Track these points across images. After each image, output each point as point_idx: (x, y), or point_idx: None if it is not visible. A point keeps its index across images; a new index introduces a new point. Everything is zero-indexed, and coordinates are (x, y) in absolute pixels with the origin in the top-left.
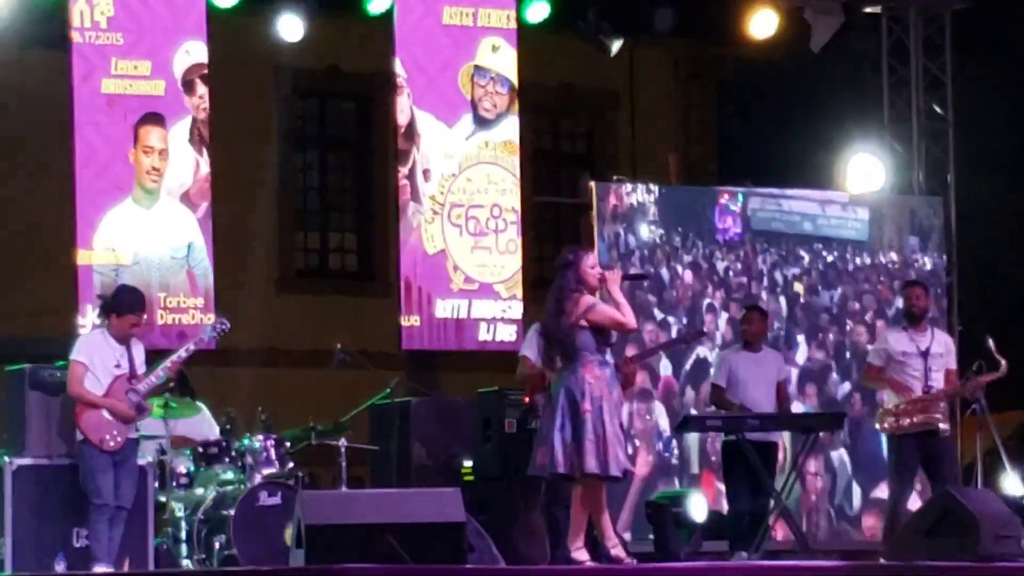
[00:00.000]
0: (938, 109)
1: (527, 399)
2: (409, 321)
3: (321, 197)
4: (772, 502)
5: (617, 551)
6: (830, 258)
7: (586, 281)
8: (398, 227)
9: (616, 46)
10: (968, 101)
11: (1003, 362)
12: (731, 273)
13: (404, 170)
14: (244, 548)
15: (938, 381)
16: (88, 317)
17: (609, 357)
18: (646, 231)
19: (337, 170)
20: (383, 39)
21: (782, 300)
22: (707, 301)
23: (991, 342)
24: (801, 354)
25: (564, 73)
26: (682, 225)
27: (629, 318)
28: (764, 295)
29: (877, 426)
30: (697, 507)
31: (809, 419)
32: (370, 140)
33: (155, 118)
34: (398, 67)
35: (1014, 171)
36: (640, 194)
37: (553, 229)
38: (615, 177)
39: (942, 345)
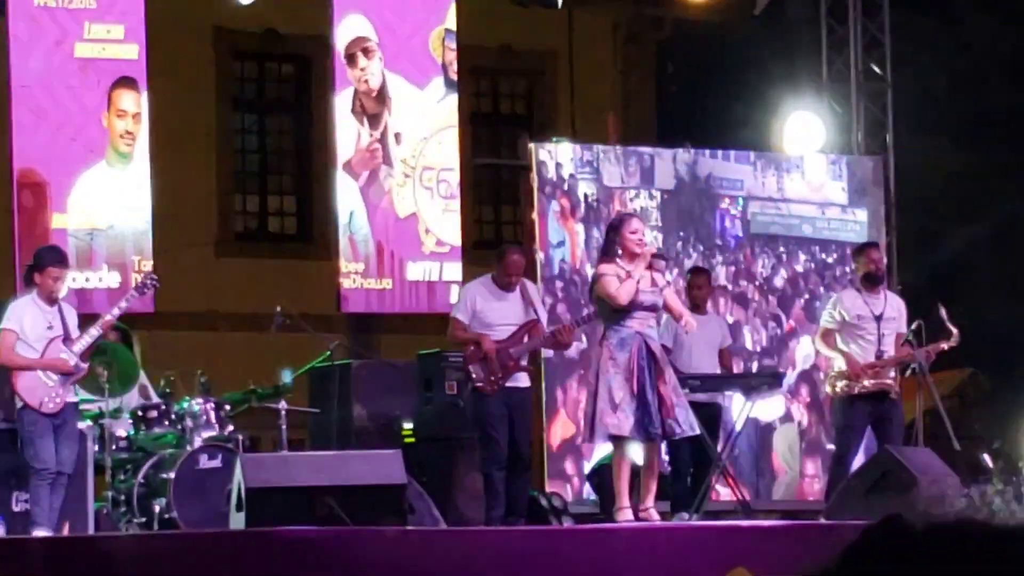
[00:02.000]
0: (876, 69)
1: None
2: (381, 284)
3: (260, 160)
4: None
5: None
6: (830, 260)
7: (626, 247)
8: (336, 190)
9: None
10: (907, 61)
11: (955, 331)
12: (731, 277)
13: (376, 133)
14: (184, 511)
15: (889, 345)
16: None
17: (627, 324)
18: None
19: (276, 133)
20: (321, 2)
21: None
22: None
23: (943, 310)
24: (800, 354)
25: (503, 35)
26: (683, 230)
27: (619, 294)
28: (762, 298)
29: (828, 390)
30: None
31: (749, 379)
32: (309, 103)
33: (128, 82)
34: (369, 30)
35: (953, 131)
36: (643, 199)
37: (493, 191)
38: (554, 139)
39: (895, 309)
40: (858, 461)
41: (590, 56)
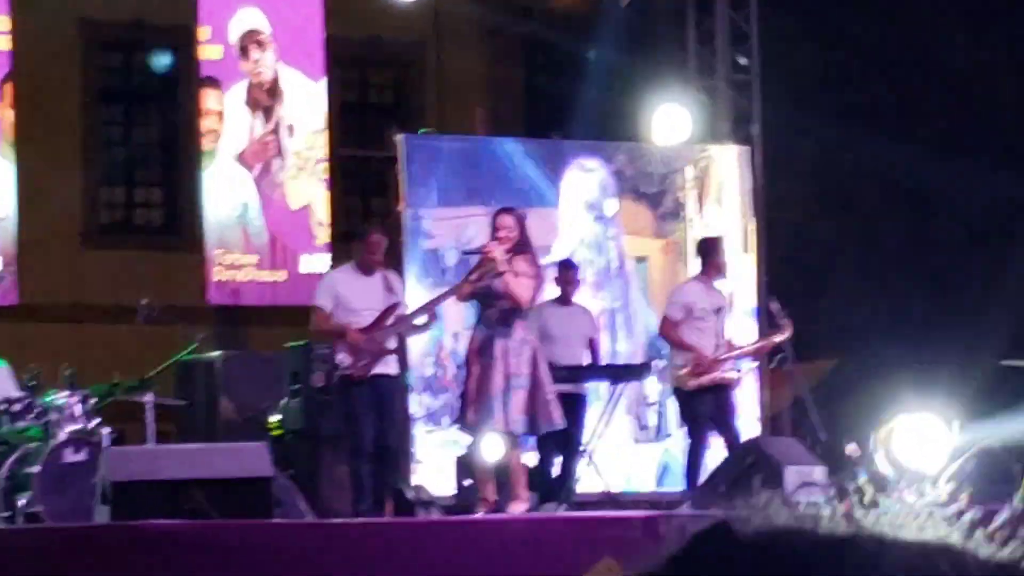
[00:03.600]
0: (743, 61)
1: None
2: (275, 276)
3: (126, 152)
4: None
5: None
6: None
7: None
8: (202, 182)
9: None
10: (773, 53)
11: (787, 323)
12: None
13: (270, 125)
14: (49, 505)
15: (723, 337)
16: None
17: (489, 316)
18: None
19: (142, 124)
20: None
21: None
22: None
23: (775, 304)
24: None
25: (371, 25)
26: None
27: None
28: None
29: (674, 384)
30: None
31: (616, 370)
32: (176, 94)
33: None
34: (263, 22)
35: (818, 124)
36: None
37: (359, 181)
38: (421, 130)
39: (727, 301)
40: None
41: (458, 46)
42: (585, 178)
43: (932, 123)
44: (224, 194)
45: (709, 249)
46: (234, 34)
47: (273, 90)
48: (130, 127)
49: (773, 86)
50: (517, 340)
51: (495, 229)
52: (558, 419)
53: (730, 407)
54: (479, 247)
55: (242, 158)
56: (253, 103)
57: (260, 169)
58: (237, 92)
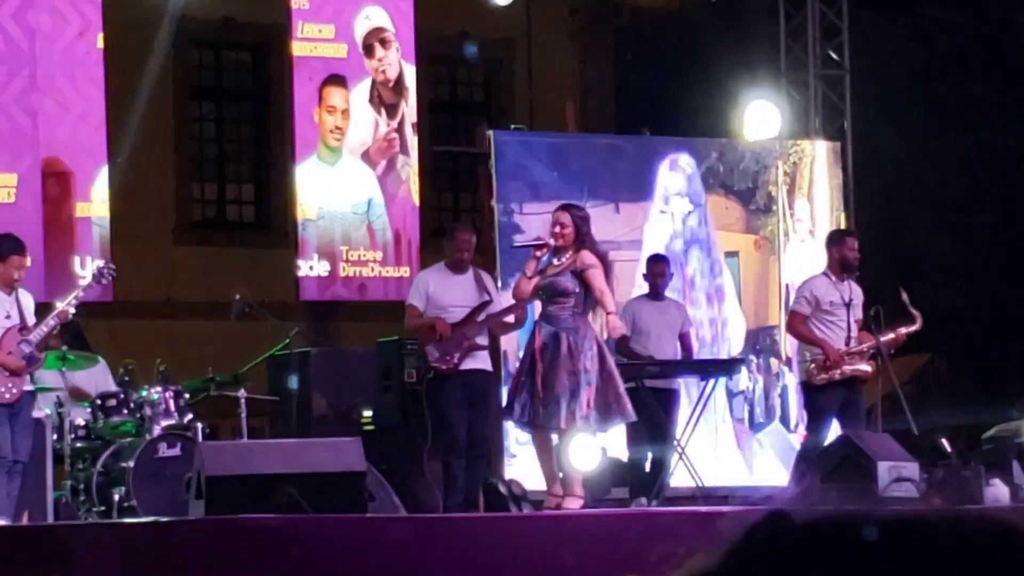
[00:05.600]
0: (834, 56)
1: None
2: (399, 272)
3: (218, 148)
4: (672, 449)
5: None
6: None
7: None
8: (295, 177)
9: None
10: (864, 48)
11: (917, 315)
12: None
13: (393, 123)
14: (143, 500)
15: (855, 332)
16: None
17: (540, 312)
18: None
19: (234, 121)
20: None
21: None
22: None
23: (905, 295)
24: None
25: (461, 22)
26: None
27: (513, 292)
28: None
29: (802, 377)
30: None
31: (707, 365)
32: (267, 91)
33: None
34: (386, 21)
35: (909, 119)
36: None
37: (451, 178)
38: (512, 126)
39: (858, 296)
40: None
41: (548, 44)
42: (676, 175)
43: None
44: (348, 191)
45: (834, 242)
46: (359, 33)
47: (398, 87)
48: (222, 123)
49: (864, 81)
50: (582, 337)
51: (551, 224)
52: (631, 412)
53: (860, 402)
54: (531, 241)
55: (366, 155)
56: (377, 100)
57: (384, 166)
58: (361, 90)
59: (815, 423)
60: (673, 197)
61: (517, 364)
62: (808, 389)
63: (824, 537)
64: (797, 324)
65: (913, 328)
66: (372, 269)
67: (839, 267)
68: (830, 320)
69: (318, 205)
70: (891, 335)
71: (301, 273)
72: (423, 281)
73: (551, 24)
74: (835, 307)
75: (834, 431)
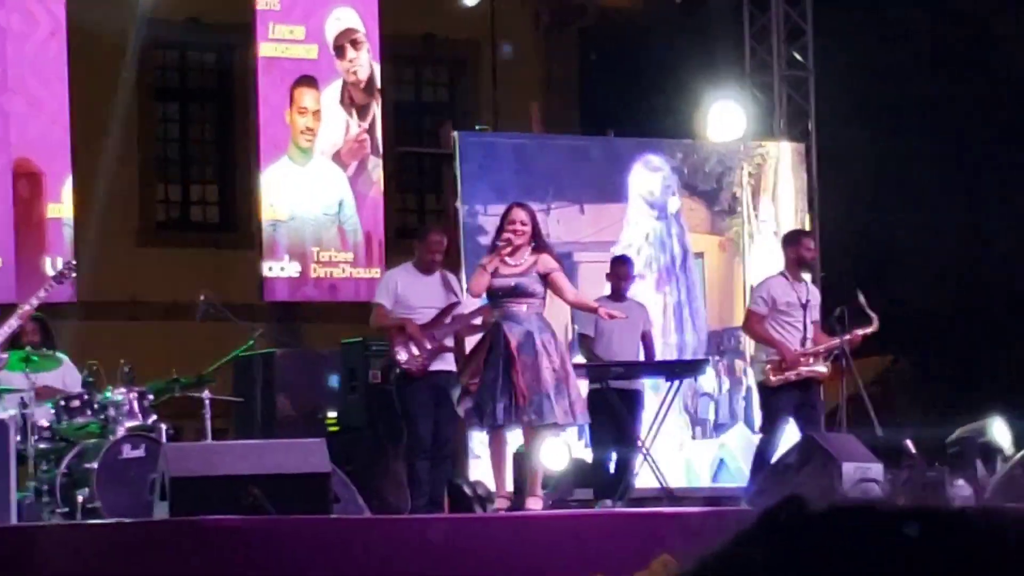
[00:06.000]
0: (799, 57)
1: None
2: (369, 273)
3: (182, 149)
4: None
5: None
6: None
7: (504, 235)
8: (260, 178)
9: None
10: (829, 49)
11: (874, 316)
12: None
13: (364, 124)
14: (108, 501)
15: (811, 333)
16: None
17: (496, 312)
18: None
19: (198, 122)
20: None
21: None
22: None
23: (862, 296)
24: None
25: (425, 23)
26: None
27: (470, 286)
28: None
29: (761, 379)
30: (556, 456)
31: (673, 366)
32: (231, 92)
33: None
34: (357, 22)
35: (874, 120)
36: None
37: (415, 179)
38: (477, 127)
39: (815, 296)
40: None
41: (512, 44)
42: (650, 176)
43: (988, 117)
44: (319, 192)
45: (791, 242)
46: (330, 33)
47: (369, 88)
48: (186, 125)
49: (829, 82)
50: (551, 336)
51: (510, 223)
52: (587, 414)
53: (815, 403)
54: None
55: (337, 156)
56: (348, 102)
57: (355, 167)
58: (332, 91)
59: (770, 424)
60: (645, 199)
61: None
62: (764, 390)
63: (839, 525)
64: (753, 324)
65: (870, 329)
66: (343, 270)
67: (796, 267)
68: (786, 321)
69: (289, 206)
70: (847, 336)
71: (271, 274)
72: (392, 280)
73: (516, 25)
74: (792, 308)
75: (791, 432)
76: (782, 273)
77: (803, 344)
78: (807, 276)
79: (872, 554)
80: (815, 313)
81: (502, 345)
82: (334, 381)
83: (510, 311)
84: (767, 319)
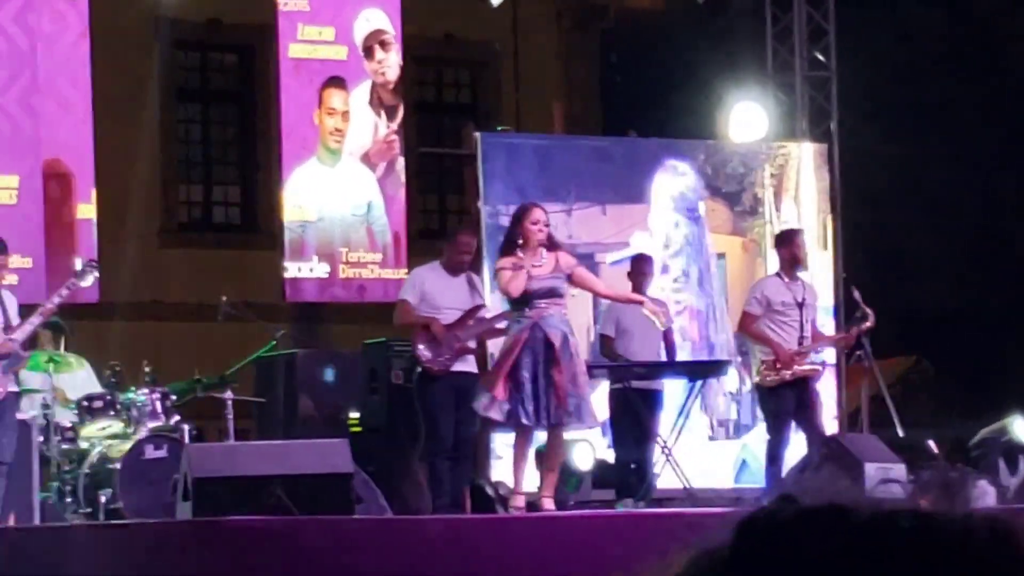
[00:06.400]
0: (821, 57)
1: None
2: (397, 274)
3: (204, 150)
4: (658, 450)
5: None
6: None
7: (527, 237)
8: (281, 179)
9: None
10: (851, 49)
11: (870, 312)
12: None
13: (393, 125)
14: (130, 501)
15: (808, 332)
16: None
17: (528, 312)
18: None
19: (220, 123)
20: None
21: None
22: None
23: (857, 293)
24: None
25: (447, 24)
26: None
27: (510, 287)
28: None
29: (757, 379)
30: (582, 456)
31: (694, 366)
32: (252, 92)
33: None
34: (385, 23)
35: (896, 121)
36: None
37: (437, 180)
38: (499, 128)
39: (812, 295)
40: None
41: (534, 45)
42: (676, 180)
43: (1008, 119)
44: (348, 193)
45: (783, 241)
46: (359, 35)
47: (397, 89)
48: (208, 125)
49: (851, 82)
50: (575, 338)
51: (532, 222)
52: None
53: (812, 402)
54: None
55: (366, 158)
56: (377, 102)
57: (384, 168)
58: (361, 92)
59: (774, 425)
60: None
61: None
62: (761, 391)
63: (834, 522)
64: (748, 325)
65: (866, 326)
66: (371, 271)
67: (790, 266)
68: (782, 320)
69: (317, 207)
70: (842, 334)
71: (299, 275)
72: (419, 278)
73: (537, 25)
74: (787, 307)
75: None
76: (777, 273)
77: (800, 343)
78: (804, 275)
79: (831, 561)
80: (812, 312)
81: (542, 345)
82: (356, 382)
83: (547, 312)
84: (763, 320)
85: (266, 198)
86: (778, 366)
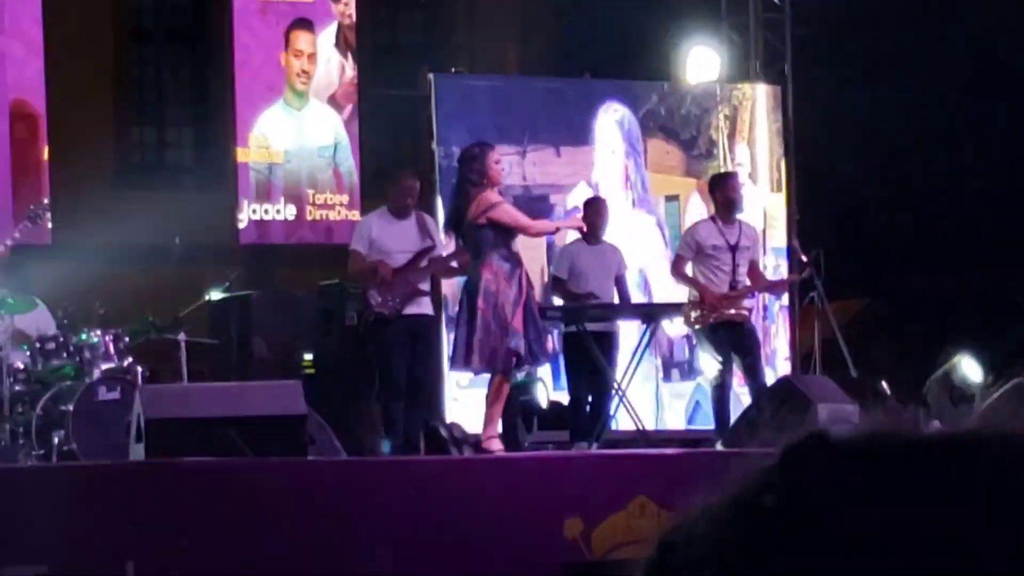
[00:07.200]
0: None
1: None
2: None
3: (158, 91)
4: (612, 392)
5: (489, 443)
6: None
7: (491, 176)
8: (235, 121)
9: None
10: None
11: (807, 260)
12: None
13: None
14: (83, 443)
15: (743, 275)
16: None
17: (513, 249)
18: None
19: (173, 64)
20: None
21: None
22: None
23: (796, 242)
24: None
25: None
26: None
27: (522, 217)
28: None
29: (683, 323)
30: (542, 396)
31: (649, 308)
32: (207, 33)
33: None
34: None
35: (849, 64)
36: None
37: (389, 122)
38: (453, 69)
39: (749, 238)
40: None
41: None
42: (611, 121)
43: (963, 63)
44: (315, 135)
45: (716, 185)
46: None
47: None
48: (161, 67)
49: (805, 24)
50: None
51: (496, 162)
52: None
53: (750, 345)
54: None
55: (333, 99)
56: (343, 44)
57: (350, 110)
58: (328, 34)
59: (713, 367)
60: (611, 143)
61: (484, 308)
62: (698, 334)
63: (872, 455)
64: (679, 268)
65: (803, 275)
66: (339, 212)
67: (724, 209)
68: (714, 264)
69: (284, 149)
70: (774, 281)
71: (266, 216)
72: (366, 226)
73: None
74: (719, 251)
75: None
76: (712, 217)
77: (732, 287)
78: (740, 217)
79: (926, 494)
80: (748, 255)
81: (526, 286)
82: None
83: (508, 250)
84: (695, 263)
85: (221, 141)
86: (705, 309)
